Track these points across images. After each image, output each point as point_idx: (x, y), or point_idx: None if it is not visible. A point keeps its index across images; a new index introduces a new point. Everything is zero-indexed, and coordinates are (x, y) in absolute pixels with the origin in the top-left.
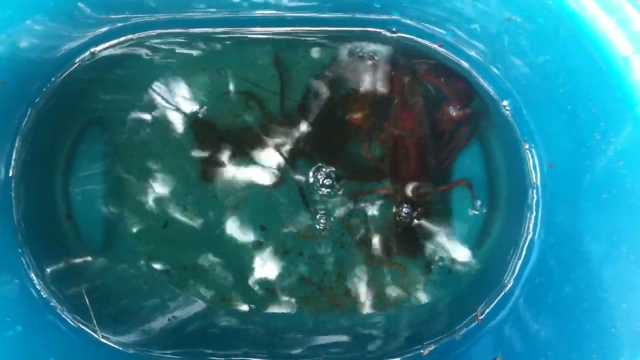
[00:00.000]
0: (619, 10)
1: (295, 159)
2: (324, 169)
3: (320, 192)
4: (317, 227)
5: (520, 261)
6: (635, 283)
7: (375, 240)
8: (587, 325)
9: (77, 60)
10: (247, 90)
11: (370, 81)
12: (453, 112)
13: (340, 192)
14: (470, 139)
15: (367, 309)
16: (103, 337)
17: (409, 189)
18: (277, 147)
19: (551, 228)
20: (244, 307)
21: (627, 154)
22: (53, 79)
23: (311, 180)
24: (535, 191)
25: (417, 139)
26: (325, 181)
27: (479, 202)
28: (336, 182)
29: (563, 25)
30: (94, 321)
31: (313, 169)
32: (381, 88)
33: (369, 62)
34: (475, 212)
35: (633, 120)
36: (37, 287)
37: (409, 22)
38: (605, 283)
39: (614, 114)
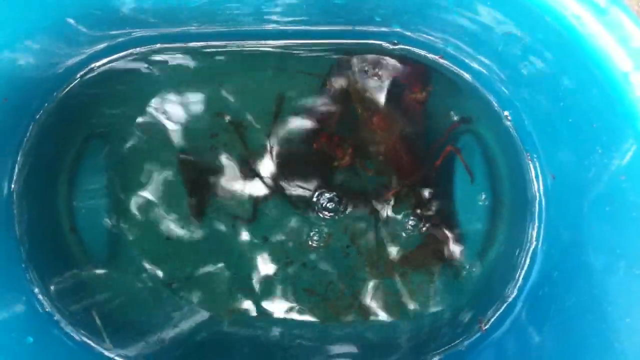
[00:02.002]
0: (619, 27)
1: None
2: (325, 194)
3: (324, 216)
4: (321, 237)
5: (524, 271)
6: (639, 297)
7: (380, 251)
8: (591, 339)
9: (77, 75)
10: (237, 120)
11: (326, 103)
12: (417, 95)
13: (344, 213)
14: (461, 125)
15: (371, 319)
16: (116, 354)
17: (413, 181)
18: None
19: (554, 239)
20: (248, 318)
21: (629, 169)
22: (54, 94)
23: (315, 206)
24: (538, 202)
25: (397, 135)
26: (328, 205)
27: (483, 196)
28: (339, 205)
29: (563, 41)
30: (105, 337)
31: (315, 194)
32: (338, 105)
33: (374, 78)
34: (480, 203)
35: (634, 135)
36: (42, 301)
37: (409, 34)
38: (609, 296)
39: (615, 128)
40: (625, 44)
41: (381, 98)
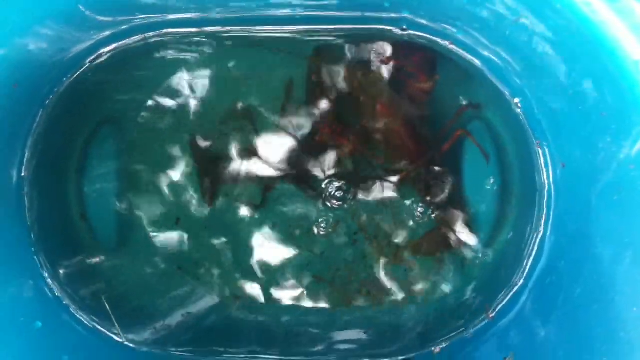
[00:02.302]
0: (630, 14)
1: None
2: (334, 183)
3: (332, 204)
4: (329, 224)
5: (531, 260)
6: None
7: (388, 238)
8: (598, 328)
9: (87, 61)
10: (247, 105)
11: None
12: (422, 85)
13: (352, 200)
14: (469, 109)
15: (378, 306)
16: (125, 338)
17: (421, 165)
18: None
19: (562, 227)
20: (256, 303)
21: (638, 158)
22: (64, 80)
23: (323, 193)
24: (547, 190)
25: (401, 121)
26: (336, 193)
27: (491, 180)
28: (347, 193)
29: (573, 29)
30: (116, 325)
31: (324, 183)
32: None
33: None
34: (488, 187)
35: None
36: (52, 286)
37: (419, 20)
38: (616, 286)
39: (625, 117)
40: (637, 31)
41: (383, 86)
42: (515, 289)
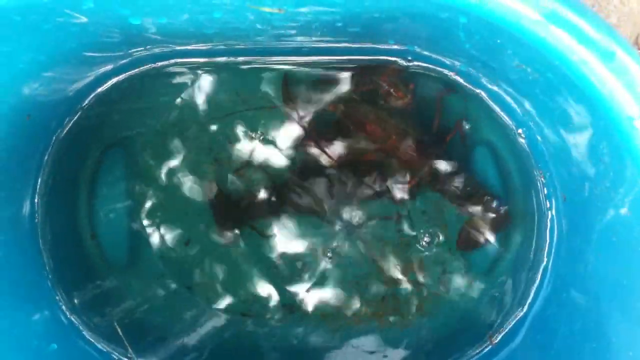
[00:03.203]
0: (626, 72)
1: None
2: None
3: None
4: (340, 245)
5: (535, 287)
6: None
7: (394, 258)
8: None
9: (97, 91)
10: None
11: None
12: (402, 100)
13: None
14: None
15: (381, 327)
16: None
17: (427, 171)
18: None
19: (564, 260)
20: (266, 324)
21: (635, 205)
22: (74, 110)
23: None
24: (549, 219)
25: (394, 137)
26: (345, 215)
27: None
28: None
29: (571, 84)
30: (129, 349)
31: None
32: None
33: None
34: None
35: (639, 177)
36: (65, 311)
37: (425, 52)
38: (613, 326)
39: (622, 167)
40: (631, 89)
41: (366, 108)
42: (519, 316)
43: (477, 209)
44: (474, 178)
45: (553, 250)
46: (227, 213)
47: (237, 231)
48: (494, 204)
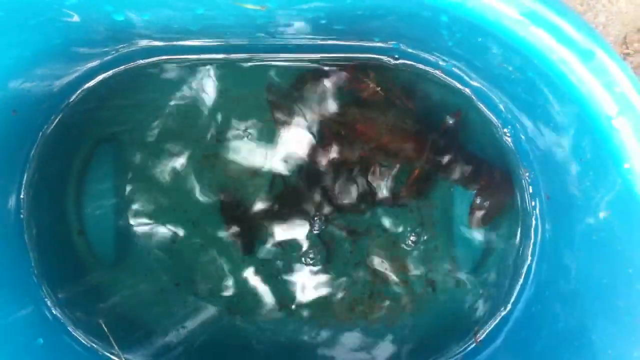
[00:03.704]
0: (604, 72)
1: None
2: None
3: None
4: (324, 244)
5: (519, 286)
6: (623, 331)
7: (380, 257)
8: None
9: (83, 87)
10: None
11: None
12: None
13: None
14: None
15: (368, 325)
16: (124, 358)
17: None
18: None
19: (548, 258)
20: (256, 320)
21: (615, 205)
22: (61, 106)
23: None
24: (534, 218)
25: (386, 133)
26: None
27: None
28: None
29: (551, 82)
30: (115, 345)
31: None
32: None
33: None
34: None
35: (619, 175)
36: (50, 307)
37: (410, 50)
38: (596, 325)
39: (602, 166)
40: (610, 88)
41: (354, 110)
42: (503, 313)
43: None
44: (473, 154)
45: (537, 249)
46: (221, 209)
47: (228, 228)
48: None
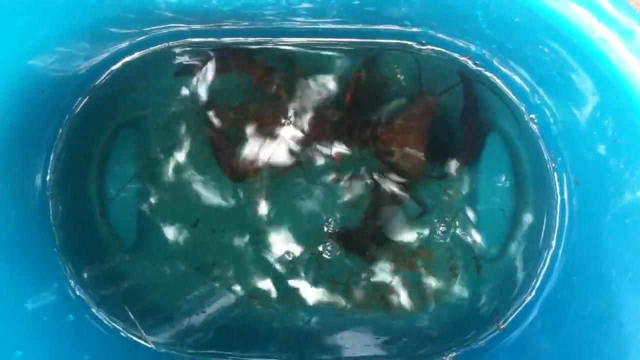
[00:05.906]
0: None
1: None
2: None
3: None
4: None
5: (543, 272)
6: None
7: (402, 243)
8: (605, 349)
9: (110, 69)
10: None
11: None
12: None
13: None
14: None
15: (390, 311)
16: (146, 339)
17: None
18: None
19: (575, 243)
20: (272, 304)
21: None
22: (88, 87)
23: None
24: (560, 204)
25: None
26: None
27: (503, 177)
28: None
29: (590, 63)
30: (139, 326)
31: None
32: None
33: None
34: (499, 185)
35: None
36: (74, 287)
37: (439, 35)
38: (625, 309)
39: (636, 149)
40: None
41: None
42: (527, 300)
43: None
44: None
45: (564, 234)
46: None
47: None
48: None
